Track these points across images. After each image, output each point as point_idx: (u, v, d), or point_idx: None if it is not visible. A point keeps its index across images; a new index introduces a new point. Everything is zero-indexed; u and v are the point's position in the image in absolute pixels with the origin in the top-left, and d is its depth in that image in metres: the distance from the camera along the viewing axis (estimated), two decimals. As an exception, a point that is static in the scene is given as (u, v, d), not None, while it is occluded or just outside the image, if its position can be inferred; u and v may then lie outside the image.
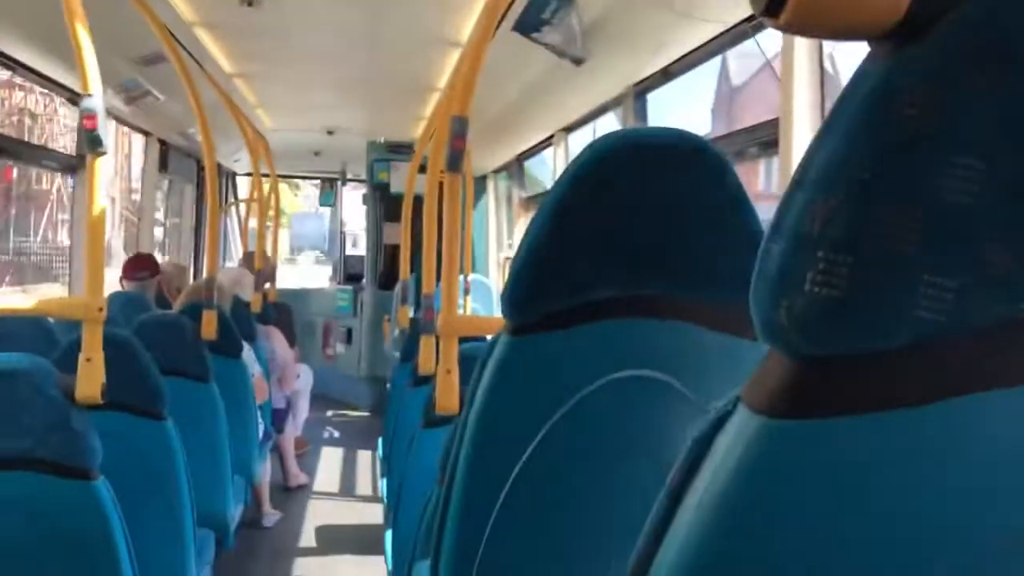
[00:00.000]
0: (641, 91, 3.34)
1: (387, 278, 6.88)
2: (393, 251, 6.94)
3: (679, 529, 0.47)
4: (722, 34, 2.56)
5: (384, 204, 6.97)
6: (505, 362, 1.06)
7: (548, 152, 5.17)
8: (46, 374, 1.66)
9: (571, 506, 1.08)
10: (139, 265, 4.13)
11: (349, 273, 8.04)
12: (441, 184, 2.41)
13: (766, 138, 2.40)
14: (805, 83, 2.00)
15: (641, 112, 3.38)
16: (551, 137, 4.81)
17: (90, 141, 1.69)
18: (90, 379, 1.66)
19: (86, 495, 1.68)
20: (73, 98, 3.91)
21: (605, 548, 1.09)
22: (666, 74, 3.12)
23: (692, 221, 1.02)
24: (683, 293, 1.03)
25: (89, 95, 1.67)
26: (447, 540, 1.13)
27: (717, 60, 2.89)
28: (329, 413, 6.93)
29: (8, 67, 3.32)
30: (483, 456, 1.08)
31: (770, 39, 2.39)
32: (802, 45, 2.04)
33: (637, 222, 1.02)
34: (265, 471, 4.10)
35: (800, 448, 0.43)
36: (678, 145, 1.01)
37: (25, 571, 1.51)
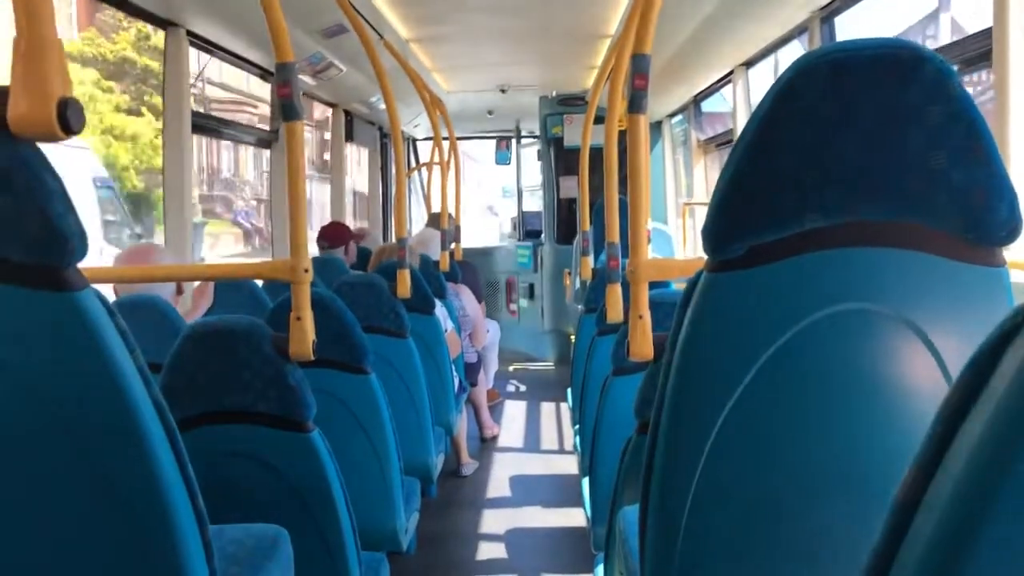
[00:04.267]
0: (828, 15, 3.12)
1: (565, 232, 6.91)
2: (569, 205, 6.95)
3: (963, 448, 0.43)
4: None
5: (559, 158, 6.97)
6: (709, 302, 1.02)
7: (727, 90, 4.97)
8: (262, 334, 1.77)
9: (784, 447, 1.03)
10: (335, 232, 4.34)
11: (528, 229, 8.13)
12: (620, 132, 2.36)
13: (978, 50, 2.19)
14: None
15: (829, 39, 3.16)
16: (729, 74, 4.61)
17: (285, 109, 1.77)
18: (301, 337, 1.76)
19: (303, 445, 1.79)
20: (264, 75, 4.13)
21: (822, 488, 1.04)
22: (856, -7, 2.90)
23: (911, 139, 0.93)
24: (902, 217, 0.95)
25: (283, 64, 1.74)
26: (655, 488, 1.11)
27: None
28: (515, 366, 7.08)
29: (206, 49, 3.54)
30: (690, 400, 1.05)
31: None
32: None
33: (847, 143, 0.94)
34: (462, 422, 4.24)
35: None
36: (893, 56, 0.92)
37: (253, 515, 1.63)
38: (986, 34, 2.08)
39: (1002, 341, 0.44)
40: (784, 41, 3.75)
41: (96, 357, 0.92)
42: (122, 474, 0.97)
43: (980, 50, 2.17)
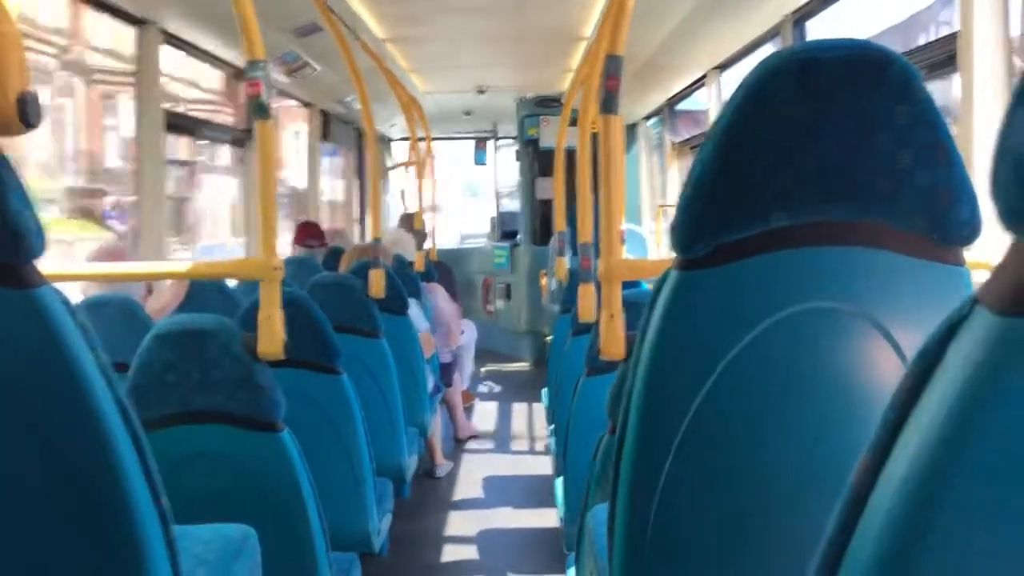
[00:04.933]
0: (800, 18, 3.15)
1: (542, 233, 6.92)
2: (546, 206, 6.96)
3: (910, 440, 0.44)
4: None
5: (535, 160, 6.99)
6: (676, 300, 1.02)
7: (701, 93, 5.00)
8: (231, 333, 1.76)
9: (750, 446, 1.04)
10: (310, 233, 4.32)
11: (505, 230, 8.14)
12: (594, 134, 2.37)
13: (943, 55, 2.21)
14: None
15: (801, 42, 3.19)
16: (703, 78, 4.64)
17: (256, 108, 1.76)
18: (271, 336, 1.75)
19: (273, 446, 1.78)
20: (239, 75, 4.11)
21: (787, 487, 1.05)
22: (827, -3, 2.93)
23: (877, 140, 0.94)
24: (867, 217, 0.96)
25: (253, 61, 1.73)
26: (622, 486, 1.11)
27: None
28: (492, 367, 7.08)
29: (177, 46, 3.51)
30: (657, 399, 1.06)
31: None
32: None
33: (814, 143, 0.95)
34: (436, 423, 4.23)
35: None
36: (860, 57, 0.93)
37: (220, 517, 1.62)
38: (951, 39, 2.11)
39: (949, 333, 0.44)
40: (757, 44, 3.78)
41: (55, 355, 0.91)
42: (83, 472, 0.96)
43: (945, 54, 2.20)
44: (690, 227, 1.00)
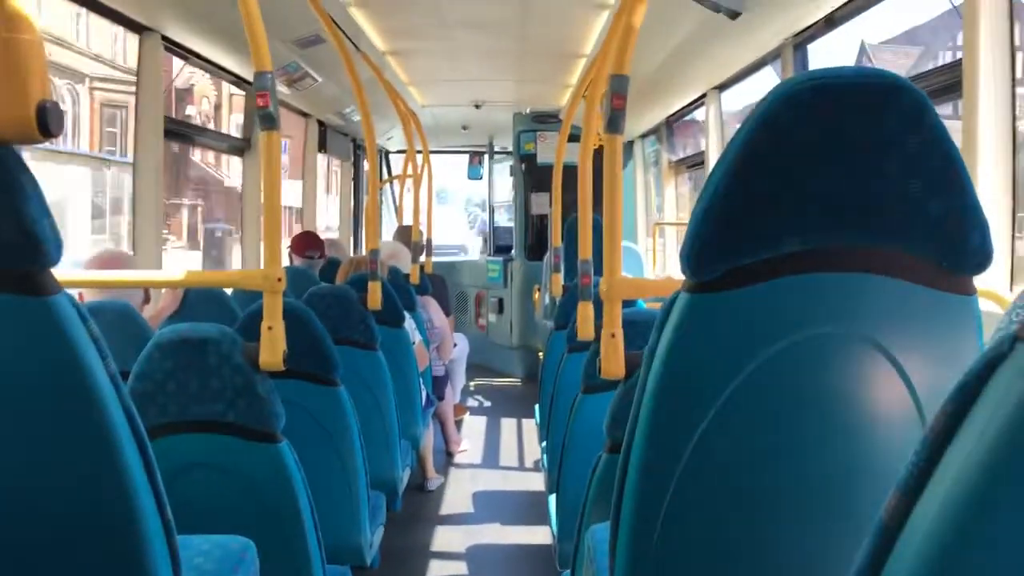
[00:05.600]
0: (801, 42, 3.18)
1: (535, 248, 6.93)
2: (540, 221, 6.97)
3: (946, 475, 0.44)
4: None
5: (531, 175, 7.00)
6: (686, 322, 1.03)
7: (698, 113, 5.03)
8: (232, 343, 1.75)
9: (757, 469, 1.04)
10: (310, 243, 4.31)
11: (498, 244, 8.14)
12: (595, 150, 2.38)
13: (946, 82, 2.24)
14: (993, 16, 1.84)
15: (802, 65, 3.22)
16: (702, 97, 4.67)
17: (263, 118, 1.76)
18: (272, 347, 1.74)
19: (272, 457, 1.77)
20: (240, 83, 4.11)
21: (793, 511, 1.05)
22: (829, 22, 2.95)
23: (888, 166, 0.95)
24: (878, 244, 0.97)
25: (261, 73, 1.74)
26: (626, 507, 1.11)
27: (885, 3, 2.71)
28: (482, 381, 7.07)
29: (181, 56, 3.51)
30: (664, 420, 1.06)
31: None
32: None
33: (826, 169, 0.96)
34: (428, 437, 4.22)
35: None
36: (871, 84, 0.94)
37: (218, 526, 1.61)
38: (956, 66, 2.13)
39: (987, 370, 0.45)
40: (758, 66, 3.81)
41: (69, 362, 0.91)
42: (92, 481, 0.96)
43: (949, 81, 2.22)
44: (701, 250, 1.00)
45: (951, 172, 0.94)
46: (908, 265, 0.97)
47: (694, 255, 1.01)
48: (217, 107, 25.18)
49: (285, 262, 4.31)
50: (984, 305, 1.42)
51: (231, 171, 25.06)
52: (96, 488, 0.96)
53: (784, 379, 1.00)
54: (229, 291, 3.00)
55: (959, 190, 0.94)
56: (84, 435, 0.94)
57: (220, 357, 1.74)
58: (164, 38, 3.20)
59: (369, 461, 2.50)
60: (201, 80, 23.62)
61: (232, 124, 21.44)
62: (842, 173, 0.96)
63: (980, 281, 1.04)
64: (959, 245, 0.96)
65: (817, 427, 1.01)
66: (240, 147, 4.39)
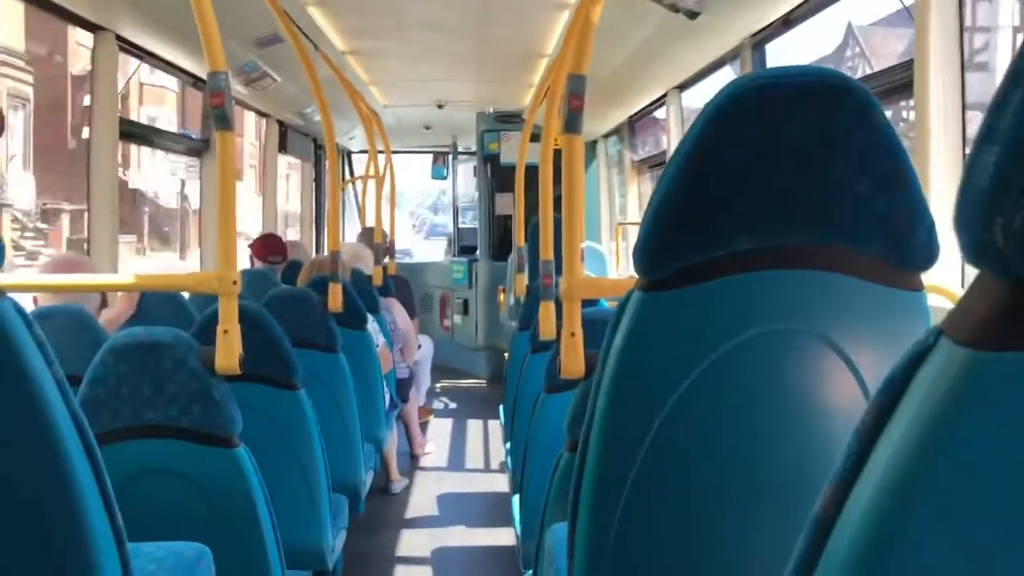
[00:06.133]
0: (759, 42, 3.21)
1: (500, 249, 6.93)
2: (505, 222, 6.97)
3: (875, 469, 0.44)
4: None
5: (495, 175, 7.00)
6: (639, 321, 1.03)
7: (660, 112, 5.06)
8: (187, 347, 1.73)
9: (711, 466, 1.05)
10: (272, 248, 4.26)
11: (463, 245, 8.13)
12: (556, 150, 2.39)
13: (899, 82, 2.27)
14: (943, 15, 1.87)
15: (760, 65, 3.25)
16: (663, 97, 4.70)
17: (217, 118, 1.73)
18: (228, 350, 1.72)
19: (228, 462, 1.75)
20: (197, 83, 4.06)
21: (749, 509, 1.06)
22: (787, 22, 2.99)
23: (837, 165, 0.95)
24: (827, 241, 0.98)
25: (215, 73, 1.72)
26: (583, 506, 1.11)
27: (841, 4, 2.74)
28: (447, 383, 7.05)
29: (136, 55, 3.46)
30: (619, 418, 1.06)
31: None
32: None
33: (776, 167, 0.96)
34: (392, 439, 4.20)
35: (1014, 383, 0.39)
36: (818, 84, 0.94)
37: (173, 533, 1.59)
38: (907, 66, 2.16)
39: (913, 364, 0.45)
40: (717, 66, 3.84)
41: (12, 369, 0.89)
42: (37, 489, 0.93)
43: (901, 81, 2.25)
44: (653, 249, 1.01)
45: (898, 170, 0.95)
46: (857, 262, 0.98)
47: (647, 253, 1.01)
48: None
49: (247, 266, 4.28)
50: (936, 301, 1.44)
51: (143, 170, 22.49)
52: (41, 495, 0.94)
53: (737, 376, 1.00)
54: (187, 294, 2.96)
55: (906, 188, 0.95)
56: (29, 442, 0.92)
57: (175, 361, 1.72)
58: (119, 38, 3.14)
59: (331, 464, 2.48)
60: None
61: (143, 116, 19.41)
62: (791, 172, 0.96)
63: (931, 277, 1.06)
64: (906, 242, 0.97)
65: (771, 423, 1.02)
66: (198, 148, 4.34)
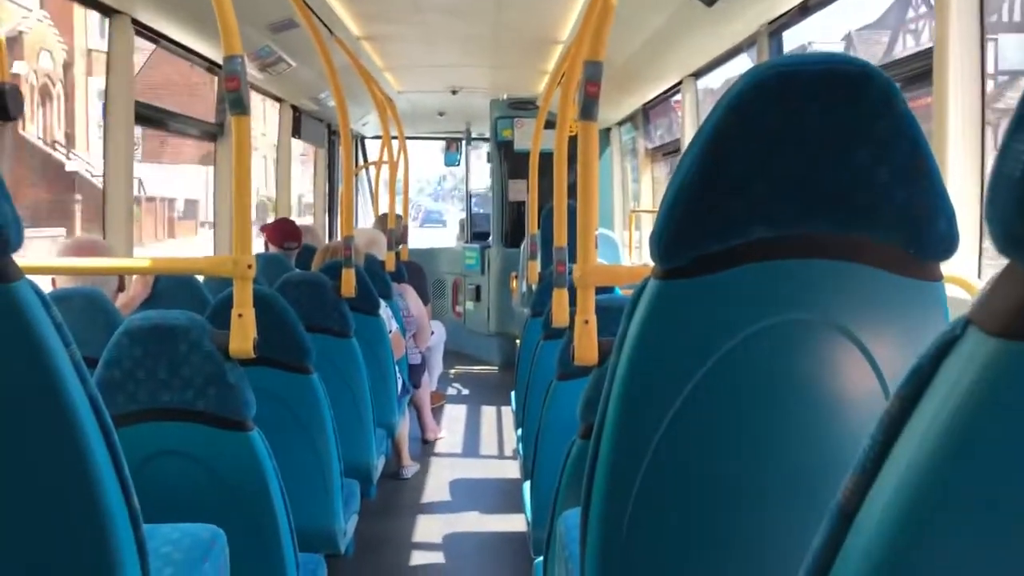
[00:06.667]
0: (776, 29, 3.18)
1: (513, 235, 6.92)
2: (518, 208, 6.96)
3: (900, 460, 0.44)
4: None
5: (508, 161, 6.98)
6: (655, 309, 1.03)
7: (675, 99, 5.03)
8: (202, 330, 1.73)
9: (725, 454, 1.05)
10: (288, 234, 4.26)
11: (476, 231, 8.12)
12: (571, 137, 2.38)
13: (918, 70, 2.25)
14: (965, 4, 1.85)
15: (777, 52, 3.22)
16: (678, 84, 4.67)
17: (233, 102, 1.74)
18: (242, 334, 1.72)
19: (242, 445, 1.76)
20: (212, 68, 4.06)
21: (762, 494, 1.05)
22: (804, 9, 2.96)
23: (857, 154, 0.95)
24: (846, 230, 0.97)
25: (231, 56, 1.71)
26: (597, 492, 1.11)
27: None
28: (460, 368, 7.06)
29: (152, 39, 3.46)
30: (633, 406, 1.06)
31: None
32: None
33: (795, 156, 0.96)
34: (404, 424, 4.21)
35: None
36: (840, 71, 0.94)
37: (187, 515, 1.60)
38: (927, 54, 2.13)
39: (940, 354, 0.45)
40: (733, 53, 3.81)
41: (30, 350, 0.89)
42: (55, 471, 0.94)
43: (921, 69, 2.23)
44: (670, 237, 1.00)
45: (918, 159, 0.94)
46: (875, 251, 0.97)
47: (663, 242, 1.01)
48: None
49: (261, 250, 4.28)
50: (954, 291, 1.43)
51: (90, 152, 19.81)
52: (59, 477, 0.95)
53: (753, 365, 1.00)
54: (201, 278, 2.97)
55: (926, 177, 0.95)
56: (46, 423, 0.93)
57: (190, 344, 1.72)
58: (135, 21, 3.15)
59: (343, 449, 2.49)
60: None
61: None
62: (810, 160, 0.96)
63: (949, 268, 1.05)
64: (925, 231, 0.96)
65: (786, 413, 1.02)
66: (213, 132, 4.34)
